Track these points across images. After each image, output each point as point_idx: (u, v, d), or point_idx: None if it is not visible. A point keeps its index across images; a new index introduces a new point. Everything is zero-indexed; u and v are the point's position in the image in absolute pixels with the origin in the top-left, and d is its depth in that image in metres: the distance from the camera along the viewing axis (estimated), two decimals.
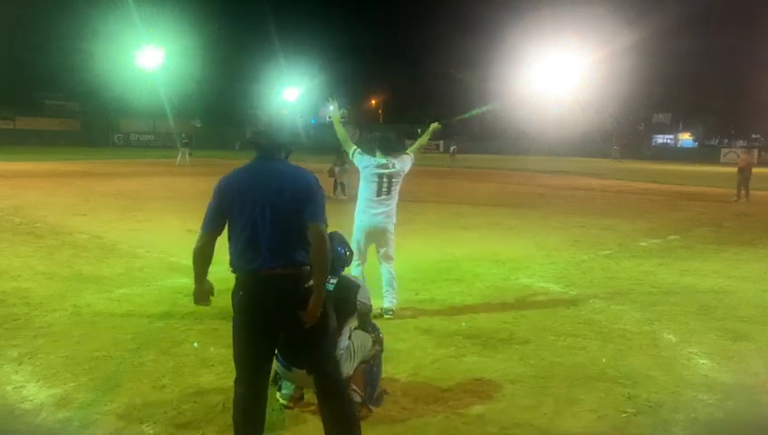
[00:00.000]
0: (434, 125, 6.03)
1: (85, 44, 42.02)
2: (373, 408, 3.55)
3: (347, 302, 3.54)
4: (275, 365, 3.28)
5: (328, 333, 3.00)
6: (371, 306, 3.88)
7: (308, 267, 2.80)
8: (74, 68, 43.97)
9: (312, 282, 2.79)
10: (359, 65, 60.71)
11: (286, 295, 2.77)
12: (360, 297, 3.63)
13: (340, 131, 5.63)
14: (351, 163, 5.71)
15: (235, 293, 2.84)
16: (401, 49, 73.12)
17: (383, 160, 5.39)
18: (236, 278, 2.85)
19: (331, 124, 5.67)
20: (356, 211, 5.44)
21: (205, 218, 2.85)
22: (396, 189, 5.42)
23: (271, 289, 2.76)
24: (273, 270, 2.74)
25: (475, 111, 7.42)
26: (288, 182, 2.81)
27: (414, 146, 6.10)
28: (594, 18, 40.41)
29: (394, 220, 5.45)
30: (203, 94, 50.79)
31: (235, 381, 2.92)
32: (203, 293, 2.95)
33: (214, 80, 50.39)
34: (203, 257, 2.86)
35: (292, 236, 2.78)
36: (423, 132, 6.08)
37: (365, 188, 5.40)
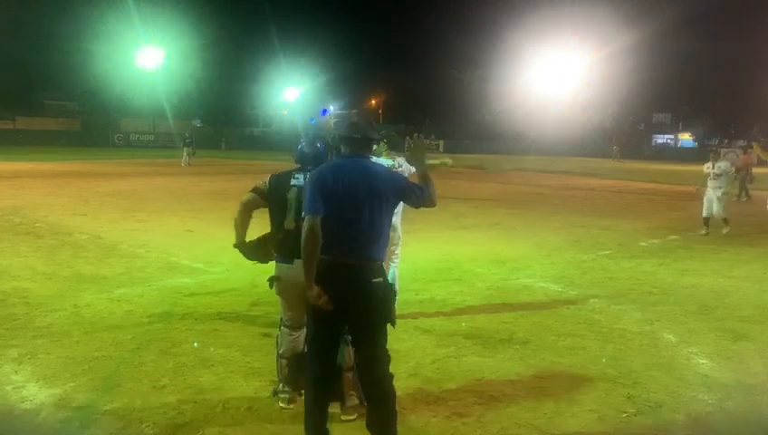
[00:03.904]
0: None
1: (85, 44, 41.93)
2: None
3: None
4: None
5: (385, 327, 3.05)
6: None
7: (379, 263, 2.98)
8: (74, 68, 43.88)
9: (380, 278, 2.95)
10: (359, 65, 60.77)
11: (355, 285, 2.89)
12: None
13: None
14: None
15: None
16: (401, 49, 73.23)
17: (390, 161, 5.35)
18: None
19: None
20: None
21: (307, 204, 2.89)
22: None
23: (341, 277, 2.89)
24: (347, 260, 2.88)
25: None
26: (383, 181, 2.97)
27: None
28: (594, 18, 40.44)
29: (400, 218, 5.44)
30: (203, 94, 50.73)
31: (307, 367, 3.09)
32: (316, 289, 2.85)
33: (214, 80, 50.29)
34: (315, 240, 2.82)
35: (374, 232, 2.93)
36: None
37: None
